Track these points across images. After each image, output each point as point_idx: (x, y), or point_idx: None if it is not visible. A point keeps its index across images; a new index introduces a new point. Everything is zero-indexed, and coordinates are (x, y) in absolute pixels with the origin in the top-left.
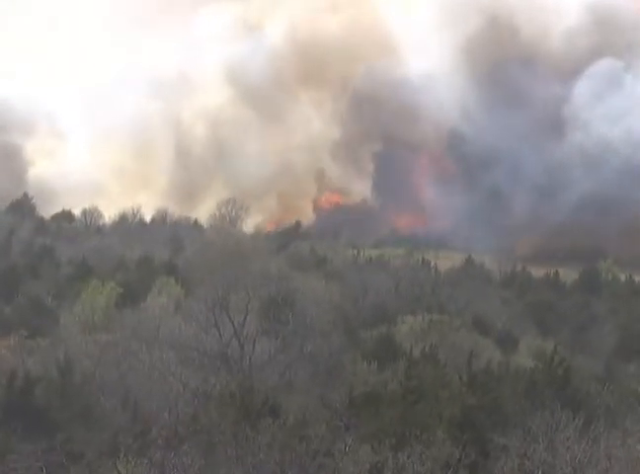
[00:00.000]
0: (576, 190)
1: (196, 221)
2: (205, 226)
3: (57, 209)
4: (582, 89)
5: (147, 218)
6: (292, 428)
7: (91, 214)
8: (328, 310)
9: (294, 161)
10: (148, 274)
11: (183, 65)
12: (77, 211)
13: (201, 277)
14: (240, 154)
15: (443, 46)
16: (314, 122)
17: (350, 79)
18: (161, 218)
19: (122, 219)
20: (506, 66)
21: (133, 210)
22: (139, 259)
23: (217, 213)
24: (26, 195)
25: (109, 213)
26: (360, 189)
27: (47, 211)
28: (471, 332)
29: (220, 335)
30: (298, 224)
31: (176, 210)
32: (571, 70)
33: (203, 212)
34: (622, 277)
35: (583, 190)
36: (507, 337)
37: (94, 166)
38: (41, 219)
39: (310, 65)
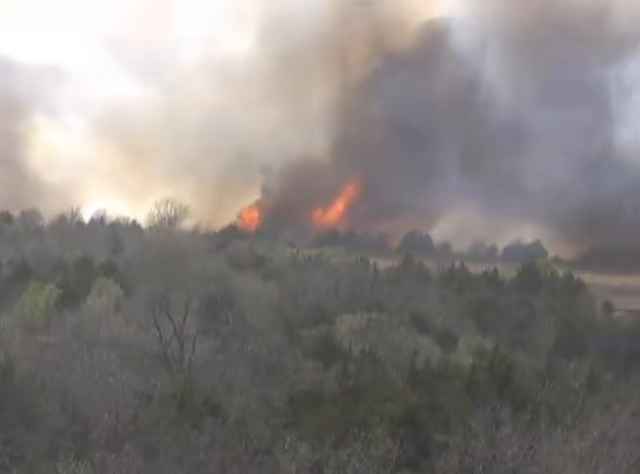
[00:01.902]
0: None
1: (134, 222)
2: (144, 226)
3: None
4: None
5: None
6: (233, 427)
7: (30, 216)
8: (267, 309)
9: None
10: (87, 274)
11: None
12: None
13: (141, 278)
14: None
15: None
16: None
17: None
18: (99, 219)
19: (61, 220)
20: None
21: (72, 211)
22: (78, 260)
23: (156, 213)
24: None
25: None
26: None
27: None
28: (410, 330)
29: (160, 335)
30: (235, 224)
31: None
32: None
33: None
34: (561, 274)
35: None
36: (446, 335)
37: (89, 160)
38: None
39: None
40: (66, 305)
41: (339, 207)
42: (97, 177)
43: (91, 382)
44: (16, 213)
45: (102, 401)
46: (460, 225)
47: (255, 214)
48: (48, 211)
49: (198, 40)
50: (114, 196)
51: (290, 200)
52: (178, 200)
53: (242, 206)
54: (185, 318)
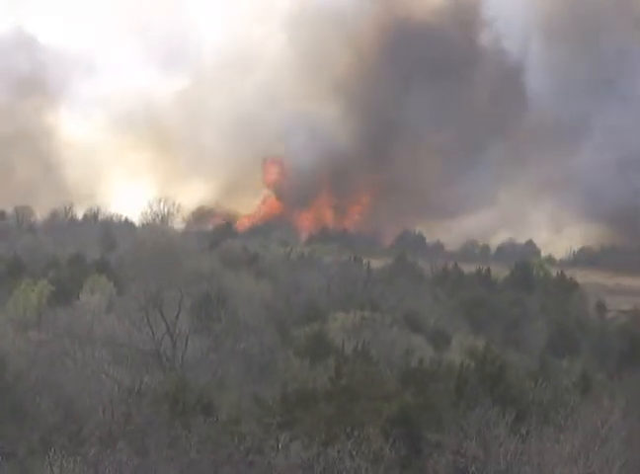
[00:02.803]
0: None
1: (126, 219)
2: (137, 224)
3: None
4: None
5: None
6: (225, 425)
7: (22, 212)
8: (260, 308)
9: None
10: (80, 272)
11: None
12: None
13: (134, 275)
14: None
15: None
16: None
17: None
18: (93, 216)
19: (54, 217)
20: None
21: (65, 208)
22: (71, 257)
23: (149, 211)
24: None
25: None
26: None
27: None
28: (403, 329)
29: (153, 332)
30: (230, 223)
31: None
32: None
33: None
34: (554, 273)
35: None
36: (439, 334)
37: (111, 152)
38: None
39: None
40: (59, 302)
41: (356, 207)
42: (119, 169)
43: (83, 379)
44: (9, 209)
45: (94, 398)
46: (479, 225)
47: (274, 205)
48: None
49: (222, 31)
50: (136, 189)
51: (308, 197)
52: (198, 193)
53: (261, 199)
54: (177, 316)
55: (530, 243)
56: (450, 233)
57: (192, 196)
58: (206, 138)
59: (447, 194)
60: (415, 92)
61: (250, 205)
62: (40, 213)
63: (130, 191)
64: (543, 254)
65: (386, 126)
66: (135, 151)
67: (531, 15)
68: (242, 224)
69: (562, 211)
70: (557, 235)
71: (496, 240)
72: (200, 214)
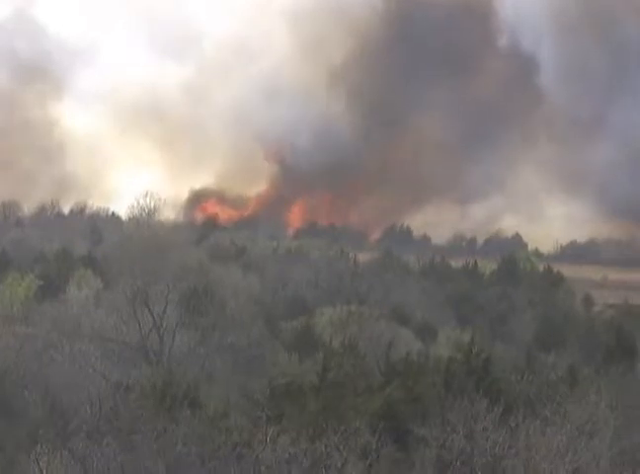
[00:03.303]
0: None
1: (113, 213)
2: (124, 218)
3: None
4: None
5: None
6: (212, 419)
7: (10, 207)
8: (248, 302)
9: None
10: (67, 266)
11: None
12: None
13: (121, 269)
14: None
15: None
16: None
17: None
18: (79, 210)
19: (41, 211)
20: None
21: (52, 202)
22: (58, 251)
23: (136, 205)
24: None
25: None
26: None
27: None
28: (390, 322)
29: (140, 327)
30: (216, 215)
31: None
32: None
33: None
34: (541, 267)
35: None
36: (426, 327)
37: (115, 143)
38: None
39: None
40: (46, 297)
41: (356, 198)
42: (122, 160)
43: (71, 374)
44: None
45: (82, 393)
46: (487, 215)
47: (277, 189)
48: (71, 201)
49: (225, 21)
50: (139, 180)
51: (308, 187)
52: (201, 183)
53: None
54: (165, 310)
55: (517, 236)
56: (449, 226)
57: (194, 186)
58: (209, 129)
59: (449, 186)
60: (419, 84)
61: (252, 193)
62: (29, 207)
63: (133, 182)
64: (544, 248)
65: (389, 118)
66: (139, 141)
67: (545, 7)
68: (250, 208)
69: (572, 206)
70: (563, 229)
71: (497, 233)
72: (197, 197)
